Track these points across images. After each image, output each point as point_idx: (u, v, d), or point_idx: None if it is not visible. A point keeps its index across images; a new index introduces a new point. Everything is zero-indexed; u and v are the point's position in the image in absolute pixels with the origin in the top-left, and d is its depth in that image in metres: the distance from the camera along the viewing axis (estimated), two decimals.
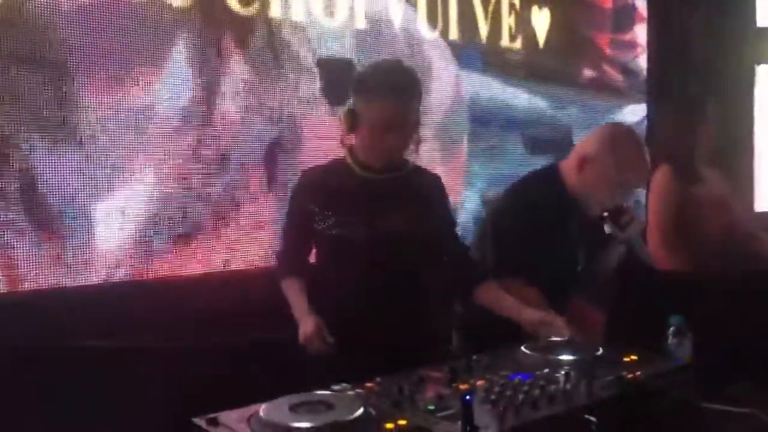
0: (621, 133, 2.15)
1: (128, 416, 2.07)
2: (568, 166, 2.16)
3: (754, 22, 4.45)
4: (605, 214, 2.06)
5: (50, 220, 2.16)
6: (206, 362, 2.26)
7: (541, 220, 2.00)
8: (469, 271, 2.01)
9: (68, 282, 2.19)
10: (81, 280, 2.22)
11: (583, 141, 2.18)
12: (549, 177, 2.17)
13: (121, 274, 2.29)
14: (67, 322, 2.12)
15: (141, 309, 2.29)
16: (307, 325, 1.77)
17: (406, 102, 1.83)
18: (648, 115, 4.00)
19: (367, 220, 1.84)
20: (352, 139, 1.90)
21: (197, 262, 2.44)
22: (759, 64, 4.52)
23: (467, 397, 1.11)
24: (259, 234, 2.57)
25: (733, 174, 3.94)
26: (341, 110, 1.93)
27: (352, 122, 1.85)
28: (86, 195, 2.22)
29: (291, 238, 2.00)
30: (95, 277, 2.25)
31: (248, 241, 2.55)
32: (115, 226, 2.27)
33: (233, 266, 2.52)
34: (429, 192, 1.99)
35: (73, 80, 2.18)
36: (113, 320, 2.22)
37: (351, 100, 1.89)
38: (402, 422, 1.18)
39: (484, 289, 1.97)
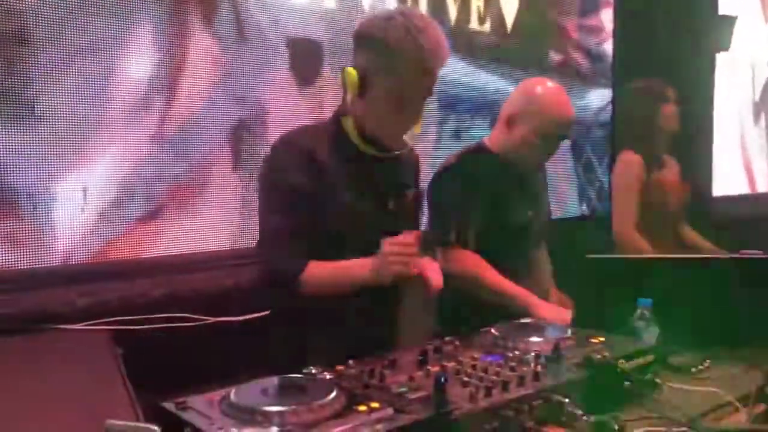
0: (540, 83, 2.17)
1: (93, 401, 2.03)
2: (494, 135, 2.23)
3: (717, 10, 4.53)
4: None
5: (6, 200, 2.09)
6: (174, 346, 2.22)
7: (479, 189, 2.09)
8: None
9: (25, 264, 2.13)
10: (39, 262, 2.15)
11: (506, 103, 2.21)
12: (478, 149, 2.24)
13: (81, 256, 2.24)
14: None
15: (104, 291, 2.25)
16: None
17: (439, 70, 1.61)
18: (613, 100, 4.05)
19: (364, 206, 1.67)
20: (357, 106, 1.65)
21: (160, 243, 2.39)
22: (719, 51, 4.61)
23: (441, 378, 1.11)
24: (222, 216, 2.52)
25: (692, 160, 4.04)
26: (345, 68, 1.62)
27: (363, 86, 1.60)
28: (45, 174, 2.15)
29: (293, 219, 1.60)
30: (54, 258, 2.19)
31: (213, 223, 2.51)
32: (75, 206, 2.21)
33: (196, 248, 2.47)
34: (415, 174, 1.90)
35: (31, 55, 2.10)
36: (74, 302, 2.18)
37: (360, 59, 1.62)
38: (375, 405, 1.17)
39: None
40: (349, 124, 1.68)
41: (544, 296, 2.18)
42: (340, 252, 1.64)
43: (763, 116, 5.44)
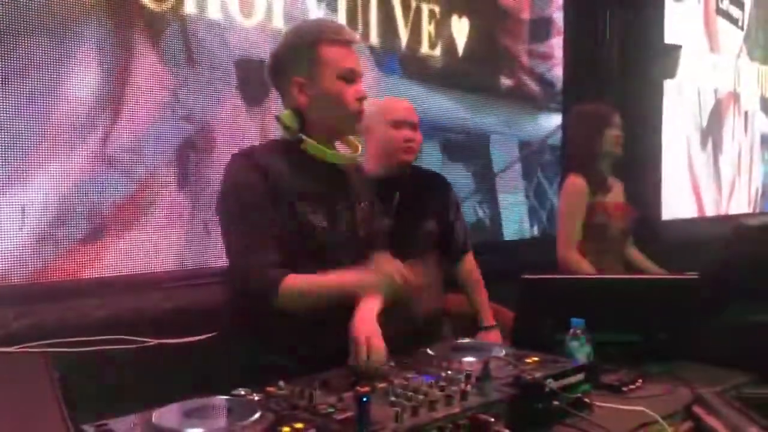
0: (386, 100, 2.53)
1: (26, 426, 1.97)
2: (366, 158, 2.39)
3: (663, 38, 4.68)
4: None
5: None
6: (115, 369, 2.18)
7: None
8: None
9: None
10: None
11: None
12: None
13: (18, 277, 2.19)
14: None
15: (42, 312, 2.20)
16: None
17: (352, 44, 1.77)
18: (563, 125, 4.13)
19: (325, 216, 1.72)
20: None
21: (102, 264, 2.35)
22: (666, 79, 4.75)
23: (363, 399, 1.11)
24: (167, 237, 2.49)
25: (642, 184, 4.13)
26: (277, 116, 1.78)
27: (304, 93, 1.72)
28: None
29: (264, 230, 1.64)
30: None
31: (157, 244, 2.47)
32: (13, 225, 2.16)
33: (139, 269, 2.44)
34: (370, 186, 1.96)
35: None
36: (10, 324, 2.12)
37: (288, 74, 1.73)
38: (298, 425, 1.17)
39: None
40: (311, 146, 1.73)
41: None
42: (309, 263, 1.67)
43: (710, 142, 5.60)
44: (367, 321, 1.62)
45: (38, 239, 2.22)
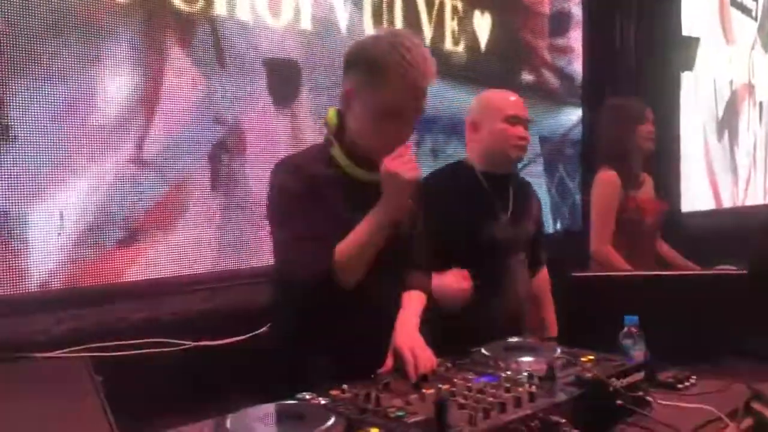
0: (491, 91, 2.44)
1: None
2: (468, 149, 2.40)
3: (680, 30, 4.66)
4: None
5: None
6: (155, 371, 2.17)
7: (453, 205, 2.19)
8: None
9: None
10: (14, 289, 2.10)
11: (467, 120, 2.41)
12: (455, 166, 2.41)
13: (58, 282, 2.18)
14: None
15: (82, 317, 2.20)
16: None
17: (425, 88, 1.64)
18: (583, 119, 4.12)
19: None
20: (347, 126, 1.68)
21: (139, 267, 2.35)
22: (683, 71, 4.74)
23: (443, 402, 1.11)
24: (202, 238, 2.49)
25: (661, 177, 4.12)
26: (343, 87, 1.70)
27: (351, 105, 1.66)
28: (21, 198, 2.10)
29: (310, 224, 1.60)
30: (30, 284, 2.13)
31: (192, 246, 2.47)
32: (52, 230, 2.16)
33: (176, 271, 2.44)
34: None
35: (4, 76, 2.05)
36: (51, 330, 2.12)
37: (349, 78, 1.67)
38: (374, 430, 1.17)
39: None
40: (336, 152, 1.69)
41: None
42: None
43: (726, 133, 5.59)
44: (408, 332, 1.64)
45: (76, 244, 2.22)
